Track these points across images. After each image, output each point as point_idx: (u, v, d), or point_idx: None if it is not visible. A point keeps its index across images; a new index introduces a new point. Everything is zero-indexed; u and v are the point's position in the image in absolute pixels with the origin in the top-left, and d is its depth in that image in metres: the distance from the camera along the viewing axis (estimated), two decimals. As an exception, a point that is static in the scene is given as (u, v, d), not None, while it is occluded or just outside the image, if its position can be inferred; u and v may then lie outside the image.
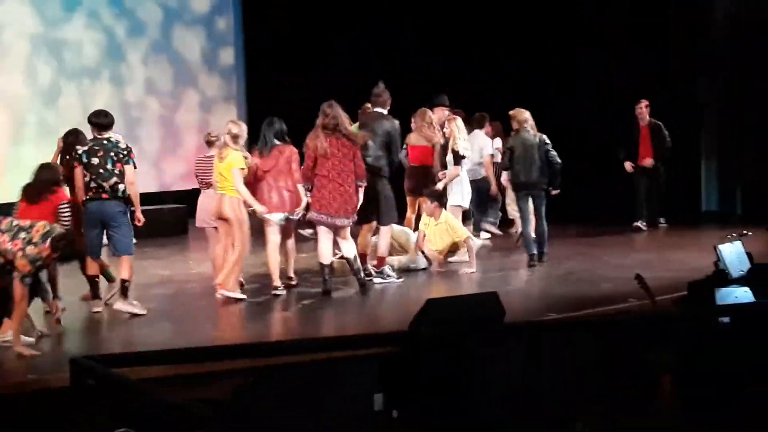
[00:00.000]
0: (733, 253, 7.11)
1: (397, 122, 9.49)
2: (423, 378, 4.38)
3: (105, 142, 8.14)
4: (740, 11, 13.77)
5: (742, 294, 6.49)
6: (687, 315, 6.23)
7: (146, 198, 13.38)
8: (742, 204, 13.77)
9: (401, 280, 9.24)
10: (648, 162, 12.61)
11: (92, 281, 8.15)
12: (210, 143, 9.24)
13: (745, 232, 10.02)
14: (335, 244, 8.88)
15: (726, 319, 5.89)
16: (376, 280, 9.14)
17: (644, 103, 12.81)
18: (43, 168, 7.98)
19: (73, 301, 8.42)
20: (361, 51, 15.54)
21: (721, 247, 7.10)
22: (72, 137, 8.43)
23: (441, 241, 9.86)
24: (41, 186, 7.78)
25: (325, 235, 8.72)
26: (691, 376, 4.76)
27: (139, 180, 8.50)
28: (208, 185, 8.94)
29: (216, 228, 8.82)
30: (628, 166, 12.81)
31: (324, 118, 8.63)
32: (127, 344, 7.15)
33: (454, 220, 10.00)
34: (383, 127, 9.24)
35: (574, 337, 5.25)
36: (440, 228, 9.83)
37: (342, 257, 9.03)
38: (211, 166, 8.86)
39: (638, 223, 12.63)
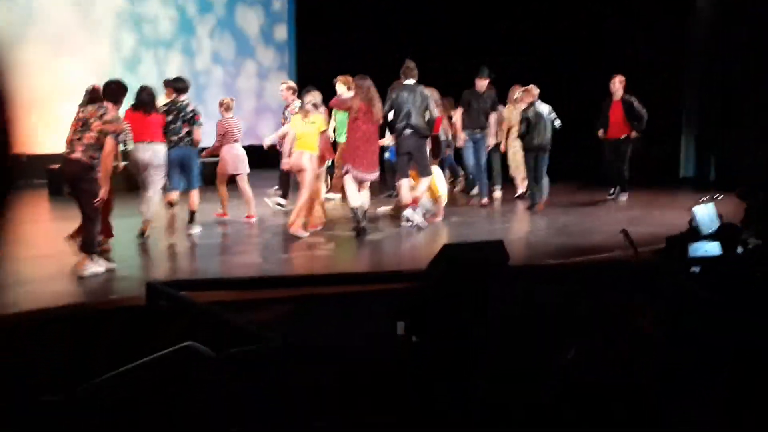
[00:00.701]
0: (705, 213, 7.05)
1: (426, 89, 9.53)
2: (438, 309, 4.41)
3: (178, 103, 8.45)
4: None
5: (712, 248, 6.46)
6: (664, 264, 6.23)
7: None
8: (715, 171, 13.63)
9: (426, 226, 9.27)
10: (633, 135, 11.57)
11: (169, 205, 8.95)
12: (229, 108, 9.72)
13: (717, 195, 9.95)
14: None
15: (696, 269, 5.89)
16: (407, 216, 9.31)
17: (618, 78, 11.68)
18: (145, 89, 8.50)
19: (152, 232, 8.53)
20: (391, 24, 15.32)
21: (695, 208, 7.05)
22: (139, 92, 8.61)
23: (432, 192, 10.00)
24: (152, 102, 8.38)
25: (351, 184, 8.85)
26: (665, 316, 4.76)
27: (205, 137, 8.73)
28: (236, 141, 9.66)
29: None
30: (600, 133, 11.81)
31: (359, 90, 8.76)
32: (194, 272, 7.23)
33: (437, 178, 9.92)
34: (421, 94, 9.29)
35: (569, 279, 5.26)
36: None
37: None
38: (234, 126, 9.66)
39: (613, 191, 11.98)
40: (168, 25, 14.83)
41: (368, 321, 5.31)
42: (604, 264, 7.12)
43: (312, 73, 14.00)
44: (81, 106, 7.31)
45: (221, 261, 7.67)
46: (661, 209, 10.67)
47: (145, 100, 8.33)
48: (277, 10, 16.53)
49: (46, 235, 8.90)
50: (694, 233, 6.92)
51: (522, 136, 10.73)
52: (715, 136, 13.47)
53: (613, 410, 3.53)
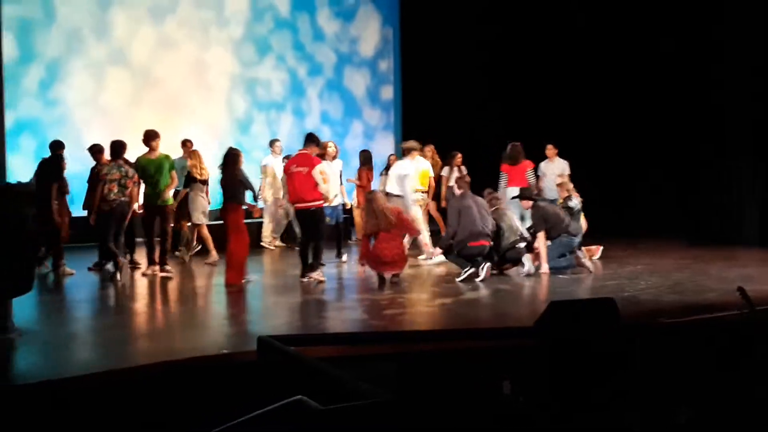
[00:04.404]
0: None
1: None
2: (546, 369, 4.31)
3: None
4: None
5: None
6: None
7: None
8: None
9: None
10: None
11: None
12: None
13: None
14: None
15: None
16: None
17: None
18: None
19: (258, 290, 8.69)
20: (494, 84, 15.40)
21: (817, 265, 6.73)
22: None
23: None
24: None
25: None
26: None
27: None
28: None
29: None
30: None
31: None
32: (302, 327, 7.29)
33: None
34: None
35: (683, 339, 5.08)
36: None
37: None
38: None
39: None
40: (279, 87, 15.34)
41: (473, 379, 5.24)
42: (720, 323, 6.84)
43: (417, 131, 14.15)
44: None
45: (328, 317, 7.74)
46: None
47: (511, 154, 11.04)
48: (383, 71, 16.87)
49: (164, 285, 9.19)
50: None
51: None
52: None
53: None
